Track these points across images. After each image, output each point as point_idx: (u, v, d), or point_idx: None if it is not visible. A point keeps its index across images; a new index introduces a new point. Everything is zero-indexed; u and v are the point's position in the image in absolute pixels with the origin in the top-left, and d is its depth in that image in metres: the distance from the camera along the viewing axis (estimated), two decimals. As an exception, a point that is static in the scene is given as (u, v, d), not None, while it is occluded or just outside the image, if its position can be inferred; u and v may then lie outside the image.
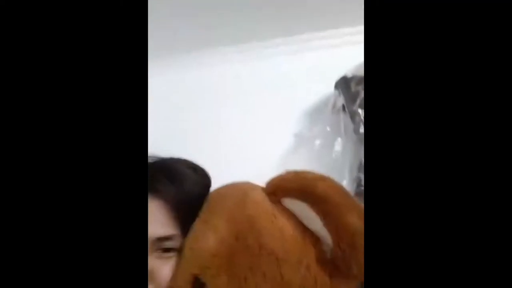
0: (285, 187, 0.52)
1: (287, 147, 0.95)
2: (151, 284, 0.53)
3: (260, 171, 0.94)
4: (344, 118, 0.87)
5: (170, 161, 0.64)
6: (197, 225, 0.55)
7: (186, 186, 0.59)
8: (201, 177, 0.64)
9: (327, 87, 0.90)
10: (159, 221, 0.56)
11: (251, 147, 0.94)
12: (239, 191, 0.56)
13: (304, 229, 0.51)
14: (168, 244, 0.55)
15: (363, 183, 0.87)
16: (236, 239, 0.51)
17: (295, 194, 0.51)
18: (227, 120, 0.98)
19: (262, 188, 0.56)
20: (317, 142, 0.90)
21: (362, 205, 0.45)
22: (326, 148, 0.88)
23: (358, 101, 0.83)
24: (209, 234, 0.52)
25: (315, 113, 0.94)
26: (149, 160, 0.62)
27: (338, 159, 0.86)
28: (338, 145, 0.86)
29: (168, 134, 0.83)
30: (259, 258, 0.50)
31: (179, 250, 0.55)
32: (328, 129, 0.89)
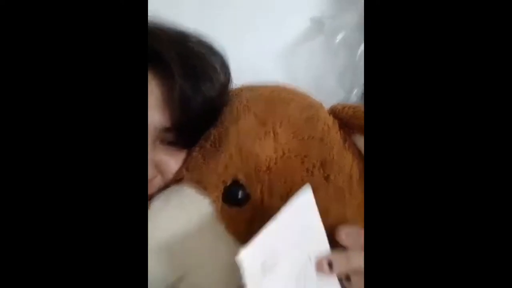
0: (361, 124, 0.41)
1: (298, 33, 0.77)
2: (159, 175, 0.44)
3: (261, 55, 0.78)
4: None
5: (177, 31, 0.47)
6: (248, 121, 0.41)
7: (201, 67, 0.44)
8: (219, 60, 0.48)
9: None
10: (158, 106, 0.41)
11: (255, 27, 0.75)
12: (306, 104, 0.44)
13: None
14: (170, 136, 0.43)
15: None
16: (301, 161, 0.39)
17: None
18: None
19: (329, 111, 0.44)
20: (339, 35, 0.74)
21: None
22: (349, 46, 0.73)
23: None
24: (267, 140, 0.40)
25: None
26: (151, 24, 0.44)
27: (360, 62, 0.72)
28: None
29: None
30: (324, 189, 0.39)
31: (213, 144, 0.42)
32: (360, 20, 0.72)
